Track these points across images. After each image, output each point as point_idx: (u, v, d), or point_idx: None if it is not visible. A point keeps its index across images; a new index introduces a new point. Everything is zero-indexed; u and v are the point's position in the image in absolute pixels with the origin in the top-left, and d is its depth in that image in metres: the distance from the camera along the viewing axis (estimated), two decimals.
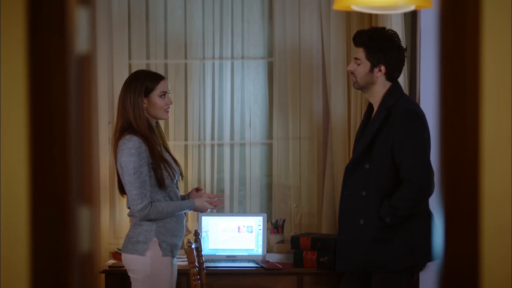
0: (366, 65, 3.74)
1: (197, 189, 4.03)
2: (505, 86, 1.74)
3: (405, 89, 4.71)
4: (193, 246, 3.97)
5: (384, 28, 3.81)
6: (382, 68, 3.72)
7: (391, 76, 3.75)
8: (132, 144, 3.72)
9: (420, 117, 3.67)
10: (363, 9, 3.25)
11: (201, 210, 3.92)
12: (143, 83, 3.80)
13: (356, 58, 3.77)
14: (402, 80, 4.56)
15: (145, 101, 3.79)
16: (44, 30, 1.71)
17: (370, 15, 4.69)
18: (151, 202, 3.72)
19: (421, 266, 3.77)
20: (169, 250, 3.77)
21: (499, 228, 1.74)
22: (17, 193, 1.74)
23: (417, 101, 4.51)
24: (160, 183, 3.76)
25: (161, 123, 5.04)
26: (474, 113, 1.73)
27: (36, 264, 1.72)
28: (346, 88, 4.87)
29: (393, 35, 3.76)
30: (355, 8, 3.20)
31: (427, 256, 3.70)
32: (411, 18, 4.76)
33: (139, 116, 3.77)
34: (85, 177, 1.79)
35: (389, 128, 3.64)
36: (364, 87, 3.78)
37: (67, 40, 1.72)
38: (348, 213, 3.73)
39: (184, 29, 5.04)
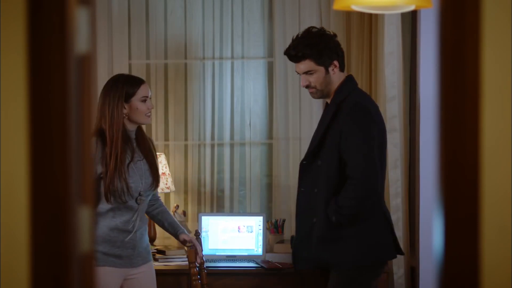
0: (320, 71, 3.64)
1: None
2: (506, 87, 1.74)
3: (405, 90, 4.71)
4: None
5: (308, 30, 3.68)
6: (336, 62, 3.64)
7: (342, 65, 3.67)
8: None
9: (367, 111, 3.56)
10: (363, 9, 3.25)
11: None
12: (123, 88, 3.67)
13: (307, 72, 3.65)
14: (400, 80, 4.57)
15: (126, 106, 3.66)
16: (44, 30, 1.71)
17: (370, 15, 4.69)
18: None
19: (375, 266, 3.65)
20: (104, 260, 3.61)
21: (499, 230, 1.73)
22: (17, 193, 1.74)
23: (417, 101, 4.50)
24: (106, 196, 3.61)
25: (160, 124, 5.08)
26: (474, 113, 1.73)
27: (36, 265, 1.72)
28: None
29: (317, 30, 3.67)
30: (355, 8, 3.20)
31: (380, 256, 3.62)
32: (411, 18, 4.76)
33: (116, 124, 3.63)
34: (85, 178, 1.79)
35: (337, 123, 3.56)
36: (326, 92, 3.67)
37: (67, 40, 1.72)
38: (303, 211, 3.66)
39: (184, 29, 5.05)
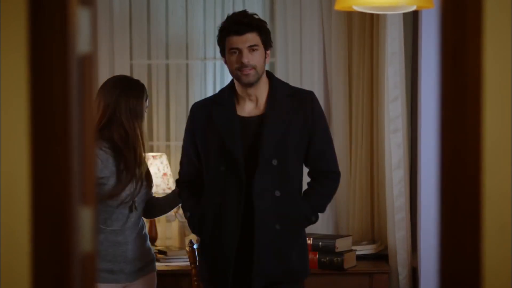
0: (262, 50, 3.26)
1: None
2: (507, 87, 1.74)
3: (406, 90, 4.71)
4: (194, 246, 3.97)
5: (246, 11, 3.34)
6: (269, 52, 3.31)
7: None
8: None
9: None
10: (364, 9, 3.24)
11: None
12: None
13: (252, 46, 3.22)
14: (403, 81, 4.57)
15: None
16: (45, 30, 1.71)
17: (372, 15, 4.69)
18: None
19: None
20: (104, 278, 3.43)
21: (501, 229, 1.73)
22: (18, 193, 1.74)
23: (418, 101, 4.50)
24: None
25: (161, 124, 5.08)
26: (475, 113, 1.73)
27: (37, 265, 1.72)
28: (347, 88, 4.86)
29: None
30: (356, 8, 3.19)
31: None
32: (412, 19, 4.76)
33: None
34: (87, 178, 1.79)
35: (300, 118, 3.28)
36: (259, 78, 3.27)
37: (68, 40, 1.72)
38: (262, 219, 3.24)
39: (185, 29, 5.05)
